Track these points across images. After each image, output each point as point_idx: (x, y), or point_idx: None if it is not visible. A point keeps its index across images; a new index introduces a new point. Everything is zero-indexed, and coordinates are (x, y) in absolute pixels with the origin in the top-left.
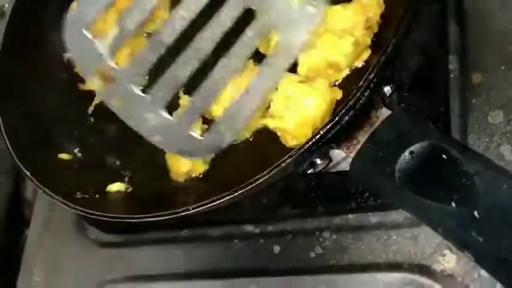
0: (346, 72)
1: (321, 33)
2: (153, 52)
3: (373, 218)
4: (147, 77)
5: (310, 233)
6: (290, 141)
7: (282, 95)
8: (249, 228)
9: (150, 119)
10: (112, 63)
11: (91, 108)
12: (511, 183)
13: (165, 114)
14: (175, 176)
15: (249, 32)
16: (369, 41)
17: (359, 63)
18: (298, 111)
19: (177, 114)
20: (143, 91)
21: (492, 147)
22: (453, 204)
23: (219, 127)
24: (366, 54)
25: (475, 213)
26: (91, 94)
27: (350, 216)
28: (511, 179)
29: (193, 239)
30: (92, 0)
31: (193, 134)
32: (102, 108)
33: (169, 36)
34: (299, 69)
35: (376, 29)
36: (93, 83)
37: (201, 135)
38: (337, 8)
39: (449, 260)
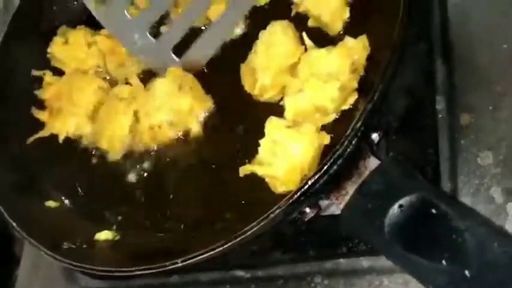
0: (333, 116)
1: (307, 78)
2: None
3: (365, 262)
4: None
5: (302, 278)
6: (279, 188)
7: (269, 140)
8: (240, 273)
9: (136, 40)
10: None
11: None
12: (502, 241)
13: (149, 37)
14: None
15: None
16: (355, 85)
17: (346, 107)
18: (286, 157)
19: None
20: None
21: (482, 189)
22: (444, 262)
23: (192, 51)
24: (353, 97)
25: (466, 272)
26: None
27: (341, 260)
28: (502, 236)
29: (183, 285)
30: None
31: (172, 55)
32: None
33: None
34: (286, 113)
35: (362, 72)
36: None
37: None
38: (322, 51)
39: None
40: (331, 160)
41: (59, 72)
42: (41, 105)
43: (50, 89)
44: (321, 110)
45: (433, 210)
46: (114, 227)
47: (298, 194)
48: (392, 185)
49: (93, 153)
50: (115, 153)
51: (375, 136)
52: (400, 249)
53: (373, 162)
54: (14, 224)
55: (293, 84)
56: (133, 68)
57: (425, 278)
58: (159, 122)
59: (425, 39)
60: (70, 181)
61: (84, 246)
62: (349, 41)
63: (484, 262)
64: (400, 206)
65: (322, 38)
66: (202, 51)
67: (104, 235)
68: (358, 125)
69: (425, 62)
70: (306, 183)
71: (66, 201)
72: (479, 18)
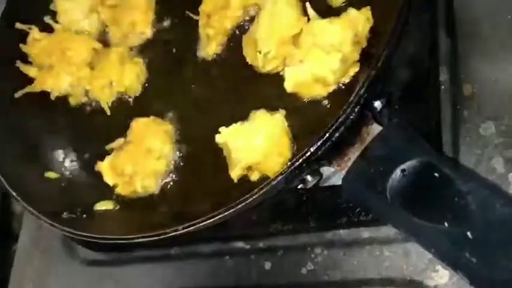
0: (334, 87)
1: (309, 48)
2: None
3: (365, 233)
4: None
5: (302, 249)
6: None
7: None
8: (240, 244)
9: None
10: None
11: None
12: (504, 202)
13: None
14: None
15: None
16: (357, 57)
17: (347, 79)
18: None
19: None
20: None
21: (484, 160)
22: (446, 224)
23: None
24: (354, 69)
25: (469, 233)
26: (78, 110)
27: (342, 231)
28: (504, 197)
29: (184, 257)
30: None
31: None
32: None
33: None
34: (286, 84)
35: (364, 44)
36: None
37: None
38: (325, 22)
39: (441, 276)
40: (334, 126)
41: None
42: (25, 59)
43: (37, 44)
44: (321, 81)
45: (436, 174)
46: (114, 196)
47: (300, 160)
48: (395, 150)
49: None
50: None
51: (377, 103)
52: (403, 213)
53: (375, 129)
54: (15, 193)
55: (295, 54)
56: (136, 40)
57: (427, 241)
58: None
59: (429, 10)
60: (70, 152)
61: (84, 216)
62: (352, 12)
63: (487, 223)
64: (403, 170)
65: (326, 9)
66: None
67: (103, 205)
68: (362, 91)
69: (429, 33)
70: (308, 149)
71: (67, 173)
72: None
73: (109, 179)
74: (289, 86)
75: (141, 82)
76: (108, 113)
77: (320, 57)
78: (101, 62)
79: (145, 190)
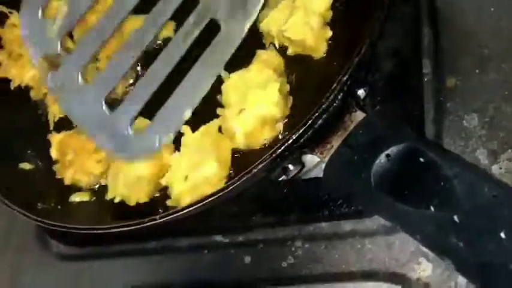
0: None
1: (240, 98)
2: (96, 37)
3: (347, 225)
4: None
5: (282, 242)
6: None
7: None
8: (219, 238)
9: (90, 111)
10: (58, 48)
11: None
12: (492, 186)
13: (104, 106)
14: None
15: (191, 19)
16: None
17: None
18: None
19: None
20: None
21: (468, 151)
22: (432, 208)
23: (152, 127)
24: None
25: (455, 217)
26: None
27: (323, 224)
28: (492, 181)
29: (161, 251)
30: None
31: (129, 130)
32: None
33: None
34: (237, 139)
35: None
36: (39, 67)
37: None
38: (241, 72)
39: (424, 268)
40: (316, 113)
41: None
42: None
43: (13, 31)
44: (268, 121)
45: (421, 159)
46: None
47: (283, 147)
48: (379, 136)
49: None
50: None
51: (361, 92)
52: (387, 199)
53: (359, 116)
54: None
55: (229, 113)
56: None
57: (413, 227)
58: None
59: (412, 3)
60: (45, 143)
61: (59, 207)
62: (262, 53)
63: (474, 207)
64: (387, 155)
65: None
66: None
67: (79, 196)
68: (345, 78)
69: (412, 25)
70: (290, 137)
71: (41, 164)
72: None
73: (54, 152)
74: (240, 140)
75: None
76: (51, 127)
77: (258, 95)
78: None
79: (74, 181)
